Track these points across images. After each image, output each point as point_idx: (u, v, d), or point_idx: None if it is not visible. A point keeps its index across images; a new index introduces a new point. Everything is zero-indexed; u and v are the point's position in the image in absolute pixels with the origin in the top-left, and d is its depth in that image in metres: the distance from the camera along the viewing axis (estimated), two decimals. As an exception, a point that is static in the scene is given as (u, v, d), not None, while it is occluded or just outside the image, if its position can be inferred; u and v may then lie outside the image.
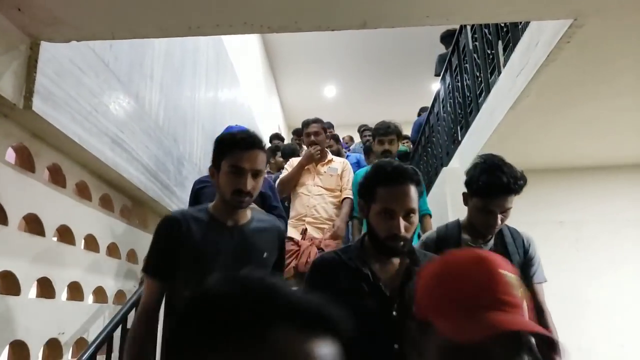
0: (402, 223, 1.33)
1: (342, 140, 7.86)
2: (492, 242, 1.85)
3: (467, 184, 1.83)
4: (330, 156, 3.58)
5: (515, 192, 1.70)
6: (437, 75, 5.98)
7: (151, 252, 1.65)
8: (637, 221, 3.93)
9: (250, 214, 1.73)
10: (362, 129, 7.25)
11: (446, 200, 4.00)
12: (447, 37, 5.92)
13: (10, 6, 1.67)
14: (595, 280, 3.79)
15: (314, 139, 3.49)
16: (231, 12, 1.78)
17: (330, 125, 7.24)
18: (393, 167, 1.39)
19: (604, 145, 3.60)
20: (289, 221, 3.38)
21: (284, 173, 3.60)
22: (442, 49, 5.95)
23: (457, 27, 4.34)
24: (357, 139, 8.08)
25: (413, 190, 1.37)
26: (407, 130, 7.28)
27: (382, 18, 1.86)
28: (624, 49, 2.25)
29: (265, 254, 1.67)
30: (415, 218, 1.38)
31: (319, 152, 3.44)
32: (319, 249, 3.13)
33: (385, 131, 3.37)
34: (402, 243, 1.35)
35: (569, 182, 4.05)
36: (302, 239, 3.24)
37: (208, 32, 1.91)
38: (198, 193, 2.81)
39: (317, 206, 3.35)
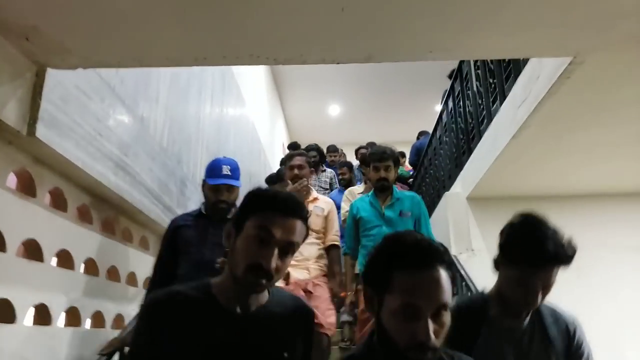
0: (432, 326, 0.94)
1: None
2: (527, 320, 1.49)
3: (501, 247, 1.44)
4: (314, 194, 3.17)
5: (564, 263, 1.35)
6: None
7: (133, 344, 1.19)
8: (637, 248, 3.92)
9: (268, 293, 1.24)
10: (358, 148, 7.03)
11: (448, 226, 4.00)
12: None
13: (18, 36, 1.69)
14: (595, 306, 3.76)
15: (298, 172, 3.10)
16: (238, 44, 1.80)
17: (335, 149, 7.11)
18: (415, 243, 1.00)
19: (604, 174, 3.62)
20: None
21: None
22: (444, 78, 6.00)
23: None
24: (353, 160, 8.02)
25: (445, 277, 0.96)
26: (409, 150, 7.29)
27: (386, 53, 1.88)
28: (623, 83, 2.28)
29: (285, 354, 1.18)
30: (448, 317, 0.97)
31: (305, 186, 3.03)
32: (306, 291, 2.81)
33: (381, 157, 3.05)
34: (429, 354, 0.94)
35: (570, 209, 4.05)
36: (286, 284, 2.81)
37: (214, 62, 1.94)
38: (175, 235, 2.44)
39: (301, 247, 3.03)
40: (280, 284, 2.65)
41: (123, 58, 1.87)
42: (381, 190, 3.04)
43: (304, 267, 2.90)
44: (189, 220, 2.50)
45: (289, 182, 3.13)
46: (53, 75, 1.96)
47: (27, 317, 1.99)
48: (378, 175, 3.05)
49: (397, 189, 3.18)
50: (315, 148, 5.18)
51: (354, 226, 3.06)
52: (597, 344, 3.57)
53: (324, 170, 5.40)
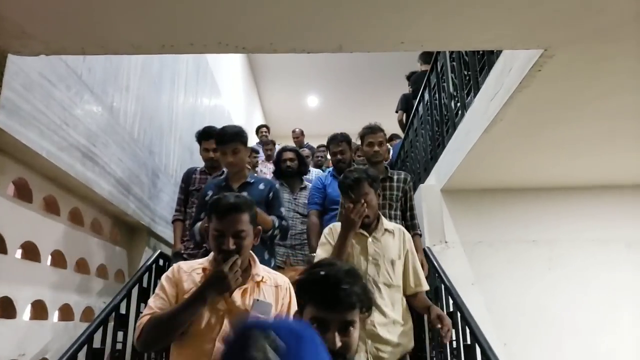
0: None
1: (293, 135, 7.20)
2: None
3: None
4: (259, 272, 1.70)
5: None
6: (396, 111, 6.29)
7: None
8: (607, 241, 4.01)
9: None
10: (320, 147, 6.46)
11: (422, 218, 4.02)
12: (412, 77, 6.17)
13: (-24, 20, 1.63)
14: (567, 298, 3.84)
15: (231, 246, 1.58)
16: (205, 31, 1.77)
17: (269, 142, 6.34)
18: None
19: (575, 167, 3.67)
20: None
21: (152, 310, 1.57)
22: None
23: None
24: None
25: None
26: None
27: (357, 43, 1.87)
28: (593, 79, 2.30)
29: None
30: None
31: (238, 272, 1.57)
32: None
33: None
34: None
35: (542, 202, 4.12)
36: None
37: (182, 50, 1.89)
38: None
39: None
40: None
41: (86, 44, 1.81)
42: None
43: None
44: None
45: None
46: (15, 62, 1.90)
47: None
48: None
49: None
50: (292, 149, 3.75)
51: None
52: (569, 330, 3.68)
53: (304, 187, 3.59)
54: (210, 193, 2.57)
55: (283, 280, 1.74)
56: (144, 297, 2.97)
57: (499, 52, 2.72)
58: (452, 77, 3.94)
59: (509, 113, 2.65)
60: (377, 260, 2.12)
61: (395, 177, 2.95)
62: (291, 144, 6.99)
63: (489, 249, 3.99)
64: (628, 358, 3.63)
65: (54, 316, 2.45)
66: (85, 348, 2.22)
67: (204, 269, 1.64)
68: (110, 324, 2.53)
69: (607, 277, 3.89)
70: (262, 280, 1.67)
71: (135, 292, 2.82)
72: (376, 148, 2.97)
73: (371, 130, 3.02)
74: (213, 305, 1.56)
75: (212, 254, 1.68)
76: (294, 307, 1.63)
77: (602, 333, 3.72)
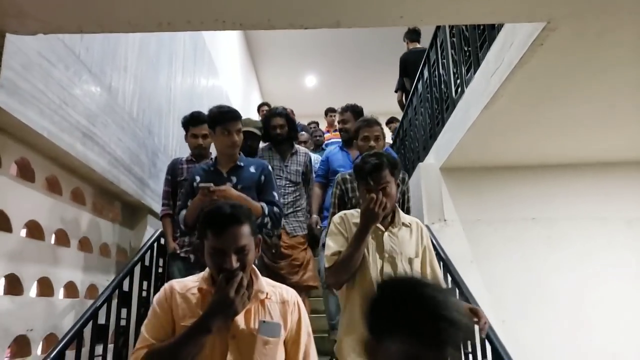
0: None
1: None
2: None
3: None
4: (262, 287, 1.52)
5: None
6: (396, 91, 6.30)
7: None
8: (606, 219, 4.02)
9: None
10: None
11: (421, 196, 4.04)
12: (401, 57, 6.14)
13: (-28, -2, 1.62)
14: (566, 276, 3.87)
15: (234, 264, 1.39)
16: (202, 8, 1.76)
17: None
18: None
19: (575, 144, 3.67)
20: None
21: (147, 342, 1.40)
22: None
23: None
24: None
25: None
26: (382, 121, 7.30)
27: (356, 18, 1.86)
28: (596, 53, 2.28)
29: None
30: None
31: (245, 293, 1.39)
32: None
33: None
34: None
35: (542, 179, 4.12)
36: None
37: (179, 28, 1.88)
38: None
39: None
40: None
41: (84, 23, 1.81)
42: None
43: None
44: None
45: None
46: (13, 41, 1.89)
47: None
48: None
49: None
50: (282, 113, 3.51)
51: None
52: (568, 308, 3.71)
53: (294, 153, 3.45)
54: (198, 178, 2.45)
55: (289, 295, 1.55)
56: (146, 275, 3.01)
57: (500, 27, 2.69)
58: (452, 54, 3.91)
59: (509, 89, 2.64)
60: (393, 257, 1.90)
61: None
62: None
63: (488, 227, 4.01)
64: (626, 336, 3.66)
65: (60, 293, 2.49)
66: (90, 324, 2.27)
67: (199, 289, 1.46)
68: (114, 301, 2.57)
69: (606, 255, 3.91)
70: (267, 297, 1.50)
71: (137, 270, 2.87)
72: (372, 143, 2.73)
73: (367, 123, 2.79)
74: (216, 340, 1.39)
75: (207, 270, 1.49)
76: (305, 322, 1.53)
77: (601, 311, 3.76)
